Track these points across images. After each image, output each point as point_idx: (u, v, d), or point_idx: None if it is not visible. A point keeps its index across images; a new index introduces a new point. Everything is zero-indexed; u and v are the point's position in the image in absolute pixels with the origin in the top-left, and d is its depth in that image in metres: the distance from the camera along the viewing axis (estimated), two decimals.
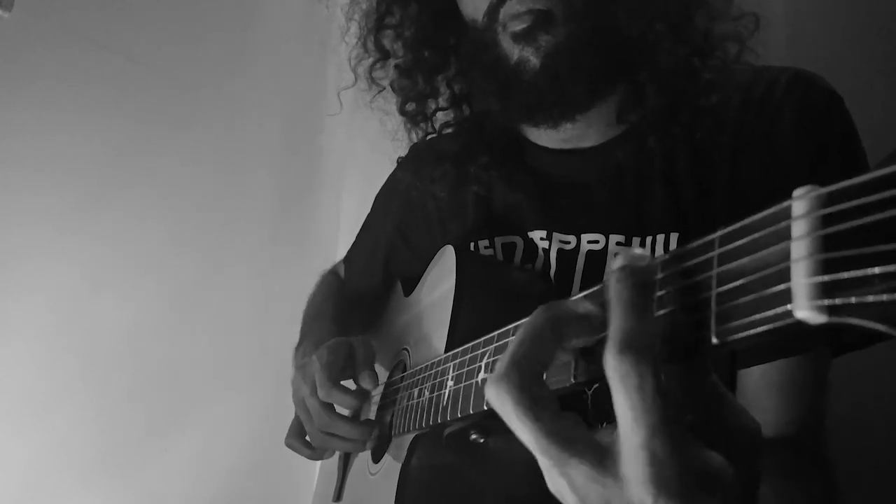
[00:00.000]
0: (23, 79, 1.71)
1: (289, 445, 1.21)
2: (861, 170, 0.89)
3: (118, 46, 1.84)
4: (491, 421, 0.84)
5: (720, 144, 0.97)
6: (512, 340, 0.50)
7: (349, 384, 1.08)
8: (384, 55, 1.20)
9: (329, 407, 1.06)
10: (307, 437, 1.20)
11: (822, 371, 0.92)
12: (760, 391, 0.90)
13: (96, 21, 1.83)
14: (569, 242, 1.04)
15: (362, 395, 1.06)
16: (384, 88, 1.20)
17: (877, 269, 0.31)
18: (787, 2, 1.44)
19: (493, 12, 0.96)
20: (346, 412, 1.14)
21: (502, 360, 0.49)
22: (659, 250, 0.96)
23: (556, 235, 1.05)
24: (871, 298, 0.31)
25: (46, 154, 1.76)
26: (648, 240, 0.98)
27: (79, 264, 1.81)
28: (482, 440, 0.86)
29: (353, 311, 1.41)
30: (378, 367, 1.24)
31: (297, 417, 1.21)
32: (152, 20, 1.94)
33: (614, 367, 0.43)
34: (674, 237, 0.96)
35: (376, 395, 1.19)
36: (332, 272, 1.54)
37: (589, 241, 1.03)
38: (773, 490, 0.66)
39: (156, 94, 1.94)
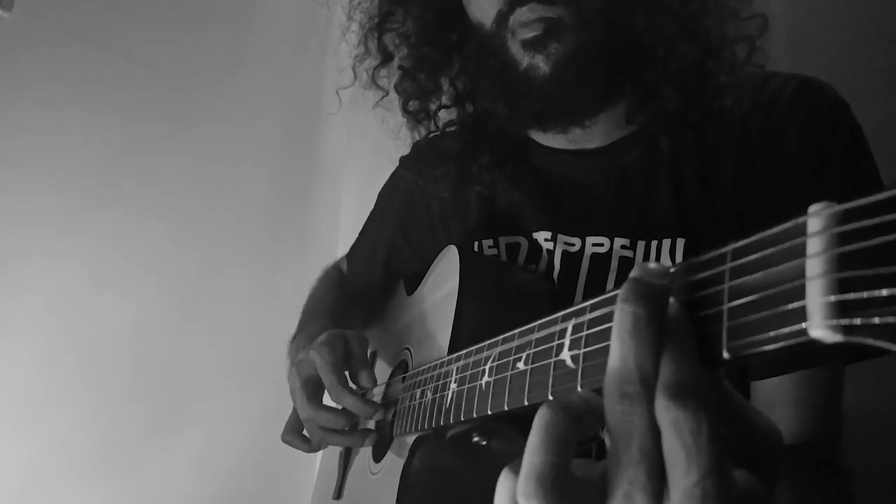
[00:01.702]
0: (23, 79, 1.70)
1: (286, 441, 1.21)
2: (870, 177, 0.88)
3: (118, 46, 1.83)
4: (494, 423, 0.84)
5: (726, 149, 0.97)
6: (534, 453, 0.45)
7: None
8: (386, 55, 1.19)
9: (313, 397, 1.07)
10: (304, 432, 1.20)
11: (836, 380, 0.92)
12: (775, 401, 0.90)
13: (96, 21, 1.82)
14: (573, 244, 1.04)
15: (367, 402, 1.05)
16: (388, 93, 1.20)
17: (891, 291, 0.31)
18: (788, 2, 1.44)
19: (502, 19, 0.95)
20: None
21: (533, 480, 0.44)
22: (664, 255, 0.96)
23: (561, 237, 1.05)
24: (887, 319, 0.31)
25: (46, 154, 1.75)
26: (654, 244, 0.98)
27: (79, 264, 1.81)
28: (485, 442, 0.86)
29: (354, 307, 1.41)
30: (380, 365, 1.24)
31: (293, 412, 1.21)
32: (152, 20, 1.93)
33: (665, 409, 0.42)
34: (680, 243, 0.96)
35: (378, 394, 1.19)
36: (335, 267, 1.54)
37: (594, 244, 1.03)
38: (790, 488, 0.65)
39: (156, 94, 1.93)
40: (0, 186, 1.68)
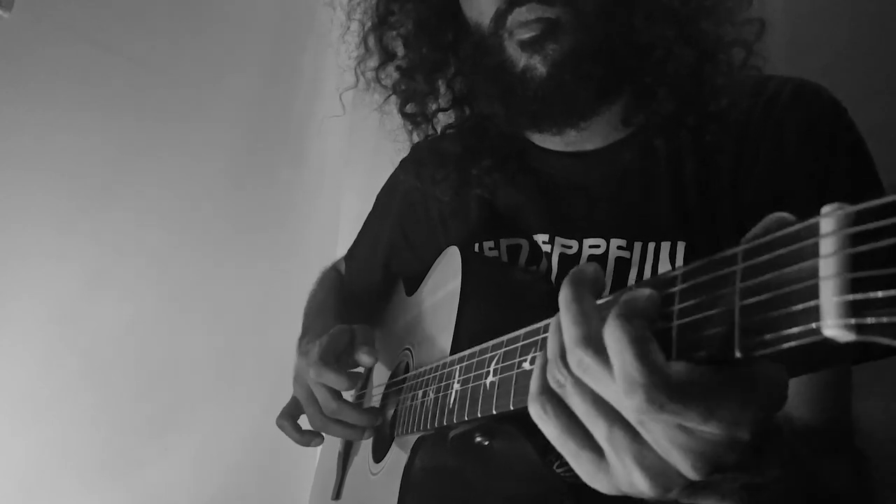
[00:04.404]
0: (23, 79, 1.70)
1: (280, 426, 1.20)
2: (870, 176, 0.88)
3: (118, 46, 1.83)
4: (496, 424, 0.85)
5: (723, 150, 0.97)
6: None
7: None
8: (386, 55, 1.19)
9: (336, 393, 1.06)
10: (299, 421, 1.19)
11: (844, 379, 0.92)
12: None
13: (96, 21, 1.82)
14: (570, 247, 1.04)
15: (355, 377, 1.05)
16: (392, 93, 1.20)
17: None
18: (788, 3, 1.44)
19: (500, 18, 0.95)
20: (349, 397, 1.13)
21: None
22: (664, 257, 0.96)
23: (559, 239, 1.05)
24: None
25: (46, 154, 1.75)
26: (651, 246, 0.98)
27: (79, 264, 1.80)
28: (487, 442, 0.87)
29: (354, 308, 1.41)
30: (380, 366, 1.24)
31: (292, 399, 1.21)
32: (152, 20, 1.93)
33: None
34: (680, 246, 0.96)
35: (377, 395, 1.19)
36: (333, 268, 1.54)
37: (590, 246, 1.03)
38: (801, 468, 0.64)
39: (156, 94, 1.93)
40: (0, 186, 1.68)
